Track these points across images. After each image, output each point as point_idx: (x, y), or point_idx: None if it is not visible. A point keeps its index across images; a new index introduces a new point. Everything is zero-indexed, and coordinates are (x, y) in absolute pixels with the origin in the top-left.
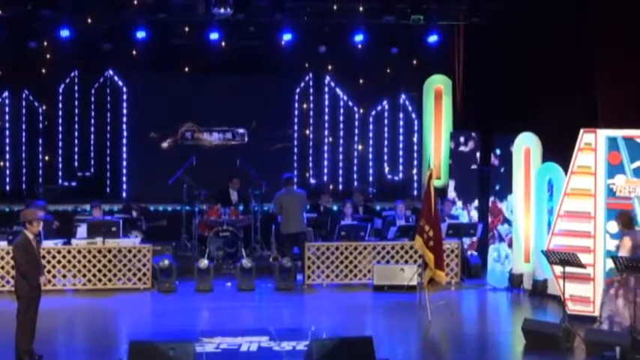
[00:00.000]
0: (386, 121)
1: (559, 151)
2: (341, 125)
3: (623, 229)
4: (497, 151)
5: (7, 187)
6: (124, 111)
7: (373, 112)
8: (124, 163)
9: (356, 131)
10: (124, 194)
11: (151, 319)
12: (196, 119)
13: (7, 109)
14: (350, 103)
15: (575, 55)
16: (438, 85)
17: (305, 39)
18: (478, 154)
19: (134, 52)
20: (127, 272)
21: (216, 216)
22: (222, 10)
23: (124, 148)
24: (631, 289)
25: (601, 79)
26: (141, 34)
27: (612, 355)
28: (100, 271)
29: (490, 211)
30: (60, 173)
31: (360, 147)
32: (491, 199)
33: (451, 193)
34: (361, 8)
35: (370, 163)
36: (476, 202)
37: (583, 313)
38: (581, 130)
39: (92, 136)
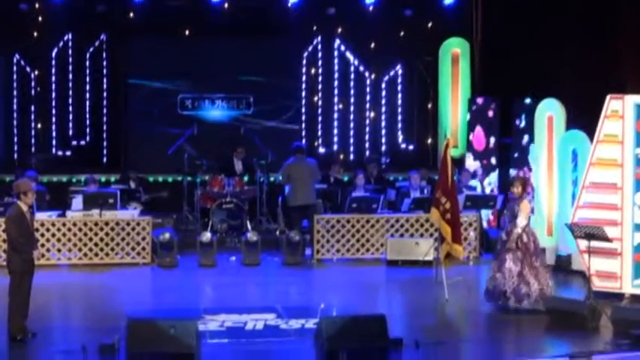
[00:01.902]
0: (399, 87)
1: (584, 118)
2: (352, 91)
3: (520, 193)
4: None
5: None
6: (121, 76)
7: (386, 78)
8: (122, 132)
9: (367, 98)
10: (122, 164)
11: (150, 295)
12: (197, 86)
13: None
14: (361, 68)
15: (602, 16)
16: (455, 48)
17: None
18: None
19: (131, 15)
20: (125, 246)
21: (220, 187)
22: None
23: (122, 115)
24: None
25: (629, 43)
26: None
27: None
28: (96, 244)
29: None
30: (53, 142)
31: (372, 114)
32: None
33: (472, 164)
34: None
35: (383, 132)
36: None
37: (609, 290)
38: (608, 97)
39: (87, 103)
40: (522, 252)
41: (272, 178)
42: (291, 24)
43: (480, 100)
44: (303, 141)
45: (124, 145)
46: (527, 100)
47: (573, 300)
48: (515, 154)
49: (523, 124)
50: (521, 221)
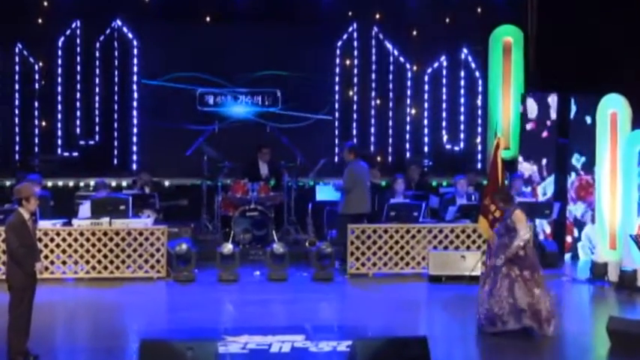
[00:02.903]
0: (444, 81)
1: None
2: (391, 86)
3: (507, 206)
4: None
5: None
6: (135, 69)
7: (429, 70)
8: (135, 130)
9: (408, 93)
10: (135, 167)
11: (165, 313)
12: (219, 79)
13: None
14: (401, 60)
15: None
16: (507, 37)
17: None
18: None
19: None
20: (138, 258)
21: (243, 192)
22: None
23: (135, 113)
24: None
25: None
26: None
27: None
28: (105, 256)
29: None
30: (59, 142)
31: (413, 111)
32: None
33: (527, 168)
34: None
35: (425, 131)
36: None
37: None
38: None
39: (97, 98)
40: (520, 267)
41: (301, 183)
42: (323, 9)
43: (534, 96)
44: (336, 141)
45: (136, 145)
46: (588, 96)
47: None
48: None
49: (586, 122)
50: (523, 233)
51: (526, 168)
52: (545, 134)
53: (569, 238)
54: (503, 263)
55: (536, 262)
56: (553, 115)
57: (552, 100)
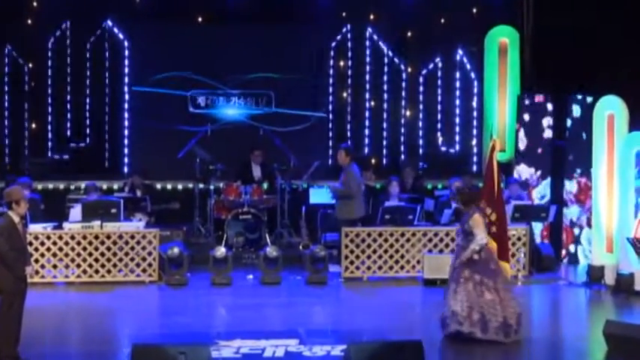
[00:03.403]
0: (439, 82)
1: None
2: (385, 87)
3: (466, 208)
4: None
5: None
6: (126, 70)
7: (424, 71)
8: (126, 133)
9: (403, 94)
10: (126, 169)
11: (157, 317)
12: (211, 80)
13: None
14: (396, 60)
15: None
16: (503, 38)
17: None
18: (550, 122)
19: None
20: (130, 262)
21: (236, 195)
22: None
23: (126, 115)
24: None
25: None
26: None
27: None
28: (97, 260)
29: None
30: (49, 144)
31: (408, 113)
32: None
33: (525, 171)
34: None
35: (420, 133)
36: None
37: None
38: None
39: (87, 100)
40: (480, 274)
41: (294, 185)
42: (317, 9)
43: (530, 97)
44: (330, 143)
45: (128, 148)
46: (587, 98)
47: (636, 325)
48: (570, 158)
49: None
50: (480, 238)
51: (524, 171)
52: (541, 136)
53: (571, 246)
54: (459, 266)
55: (496, 268)
56: (549, 117)
57: (547, 100)
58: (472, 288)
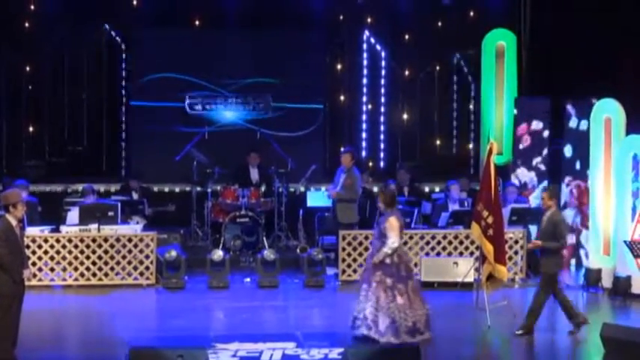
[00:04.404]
0: (436, 86)
1: None
2: (382, 90)
3: (387, 209)
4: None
5: None
6: (123, 73)
7: (421, 75)
8: (123, 136)
9: (400, 97)
10: (123, 172)
11: (154, 320)
12: (208, 84)
13: None
14: (393, 64)
15: None
16: (500, 41)
17: None
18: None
19: (134, 3)
20: (127, 265)
21: (233, 198)
22: None
23: (123, 118)
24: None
25: None
26: None
27: None
28: (94, 263)
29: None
30: (46, 147)
31: (405, 116)
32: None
33: (525, 174)
34: None
35: (417, 136)
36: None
37: None
38: None
39: (85, 104)
40: (392, 277)
41: (292, 189)
42: (313, 13)
43: (527, 100)
44: (327, 146)
45: (125, 151)
46: (582, 101)
47: (634, 329)
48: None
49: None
50: (392, 242)
51: (523, 174)
52: (538, 139)
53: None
54: (372, 268)
55: (407, 274)
56: (546, 120)
57: (545, 104)
58: (383, 292)
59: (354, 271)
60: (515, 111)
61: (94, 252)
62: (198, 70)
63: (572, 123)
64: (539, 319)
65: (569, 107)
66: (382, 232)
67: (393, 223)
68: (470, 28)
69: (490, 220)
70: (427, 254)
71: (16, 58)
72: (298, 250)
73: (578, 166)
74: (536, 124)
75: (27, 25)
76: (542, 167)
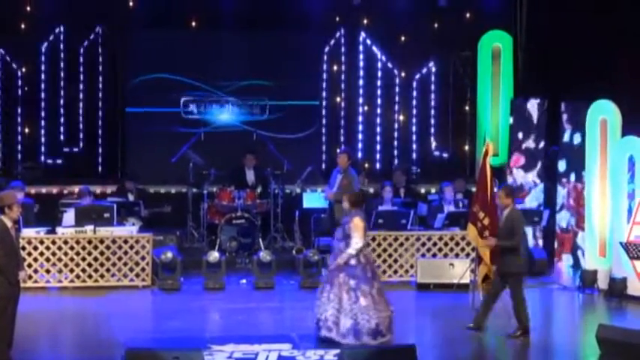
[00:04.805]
0: (433, 87)
1: None
2: (379, 91)
3: (352, 209)
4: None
5: None
6: (119, 75)
7: (417, 76)
8: (119, 137)
9: (397, 99)
10: (119, 174)
11: (150, 322)
12: (204, 85)
13: None
14: (389, 65)
15: None
16: (496, 43)
17: None
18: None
19: (130, 4)
20: (123, 267)
21: (229, 200)
22: None
23: (119, 120)
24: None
25: None
26: None
27: None
28: (90, 265)
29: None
30: (42, 149)
31: (401, 117)
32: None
33: (520, 176)
34: None
35: (414, 137)
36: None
37: None
38: None
39: (81, 105)
40: (355, 279)
41: (288, 190)
42: (310, 14)
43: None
44: (324, 147)
45: (121, 152)
46: (578, 102)
47: (629, 330)
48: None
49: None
50: (356, 242)
51: (520, 176)
52: (534, 141)
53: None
54: (335, 269)
55: (373, 275)
56: (542, 121)
57: (541, 106)
58: (346, 293)
59: None
60: (510, 120)
61: (89, 253)
62: (195, 71)
63: (566, 137)
64: (534, 320)
65: (565, 118)
66: (346, 232)
67: (357, 224)
68: (466, 30)
69: (486, 221)
70: (423, 255)
71: (12, 60)
72: (294, 252)
73: (573, 177)
74: (529, 143)
75: (23, 26)
76: (538, 180)
